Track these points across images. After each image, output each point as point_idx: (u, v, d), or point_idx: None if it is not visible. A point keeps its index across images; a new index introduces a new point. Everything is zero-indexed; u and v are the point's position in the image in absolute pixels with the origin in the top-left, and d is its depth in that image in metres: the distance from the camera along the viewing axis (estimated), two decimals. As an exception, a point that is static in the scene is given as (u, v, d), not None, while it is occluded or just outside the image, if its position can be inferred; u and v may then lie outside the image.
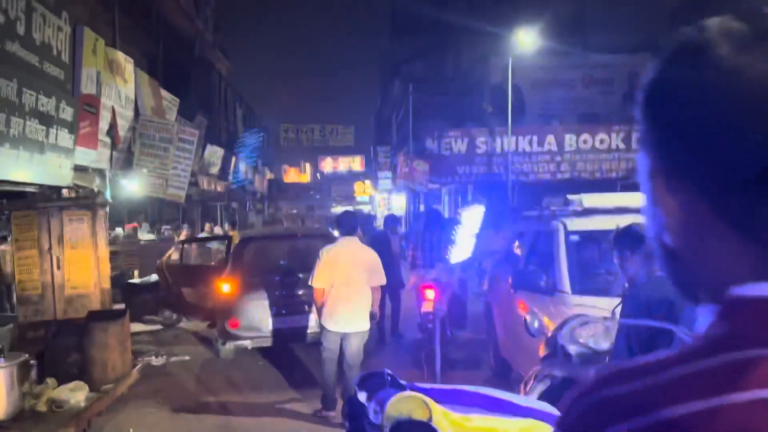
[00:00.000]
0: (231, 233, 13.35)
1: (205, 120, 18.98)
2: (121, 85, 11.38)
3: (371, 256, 6.17)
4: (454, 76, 27.66)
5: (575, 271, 5.30)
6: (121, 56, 11.36)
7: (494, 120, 22.51)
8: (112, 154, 9.57)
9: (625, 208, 5.41)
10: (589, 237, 5.64)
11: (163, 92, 14.18)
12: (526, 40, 21.00)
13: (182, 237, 12.13)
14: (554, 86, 24.39)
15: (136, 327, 8.96)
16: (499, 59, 23.04)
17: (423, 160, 20.33)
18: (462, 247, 4.42)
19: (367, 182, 50.52)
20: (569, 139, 21.30)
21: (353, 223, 6.31)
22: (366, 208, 46.32)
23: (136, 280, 9.82)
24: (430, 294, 6.40)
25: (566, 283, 5.19)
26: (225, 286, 7.50)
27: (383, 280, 6.18)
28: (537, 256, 6.21)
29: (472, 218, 4.09)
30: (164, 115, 13.87)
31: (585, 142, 21.31)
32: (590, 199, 5.94)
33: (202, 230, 14.52)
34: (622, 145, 21.16)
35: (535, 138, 21.22)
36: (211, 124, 20.71)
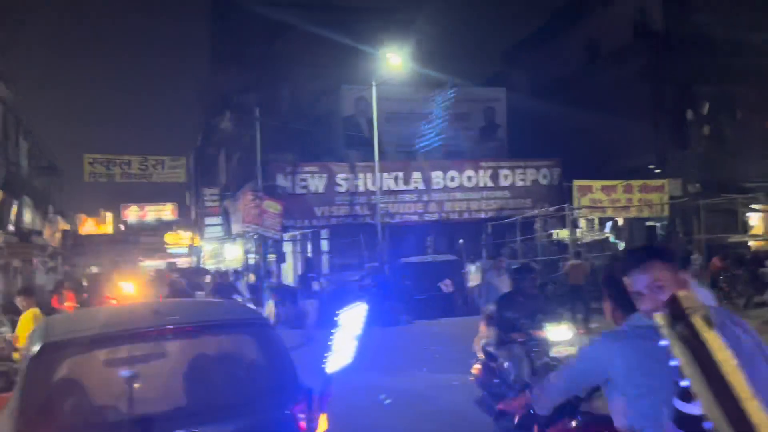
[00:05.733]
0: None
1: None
2: None
3: None
4: (294, 108, 24.54)
5: None
6: None
7: (352, 154, 19.69)
8: None
9: None
10: None
11: None
12: (385, 66, 18.61)
13: None
14: (411, 120, 22.29)
15: None
16: (350, 90, 20.45)
17: (275, 200, 16.65)
18: (341, 352, 2.97)
19: (181, 232, 45.17)
20: (436, 177, 19.11)
21: None
22: (185, 261, 40.74)
23: None
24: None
25: None
26: None
27: None
28: None
29: (353, 319, 2.98)
30: None
31: (452, 179, 19.25)
32: None
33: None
34: (490, 183, 19.43)
35: (401, 175, 18.70)
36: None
